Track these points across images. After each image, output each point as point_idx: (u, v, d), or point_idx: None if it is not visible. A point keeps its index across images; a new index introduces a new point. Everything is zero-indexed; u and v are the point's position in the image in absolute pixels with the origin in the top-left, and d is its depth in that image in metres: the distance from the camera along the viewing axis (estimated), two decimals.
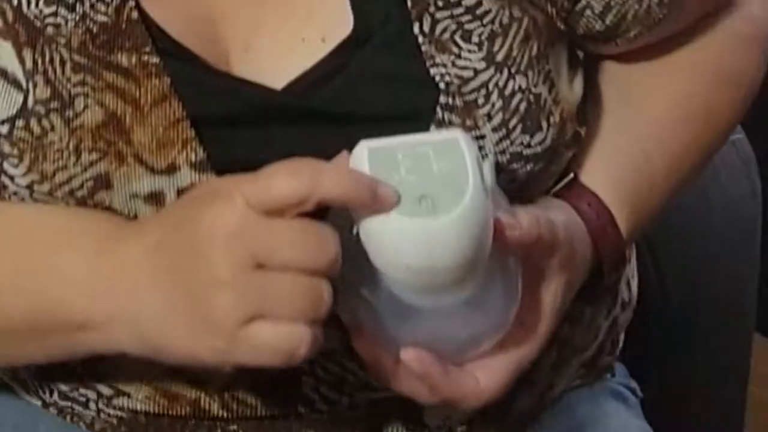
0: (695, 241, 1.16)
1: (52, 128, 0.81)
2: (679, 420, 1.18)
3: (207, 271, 0.72)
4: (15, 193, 0.82)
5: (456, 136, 0.75)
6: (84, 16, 0.81)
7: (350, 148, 0.75)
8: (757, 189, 1.19)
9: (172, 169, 0.81)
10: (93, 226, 0.81)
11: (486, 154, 0.82)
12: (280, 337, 0.71)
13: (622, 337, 1.03)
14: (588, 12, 0.87)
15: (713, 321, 1.19)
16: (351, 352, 0.81)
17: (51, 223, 0.82)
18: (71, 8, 0.81)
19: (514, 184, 0.84)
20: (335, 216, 0.76)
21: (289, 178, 0.71)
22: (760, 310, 1.20)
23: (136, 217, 0.81)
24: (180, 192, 0.81)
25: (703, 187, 1.14)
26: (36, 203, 0.82)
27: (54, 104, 0.81)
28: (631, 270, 1.03)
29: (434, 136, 0.78)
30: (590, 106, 0.91)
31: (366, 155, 0.74)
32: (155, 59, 0.81)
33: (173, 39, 0.82)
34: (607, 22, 0.87)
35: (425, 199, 0.72)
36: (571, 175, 0.90)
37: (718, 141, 0.96)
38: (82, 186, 0.81)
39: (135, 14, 0.81)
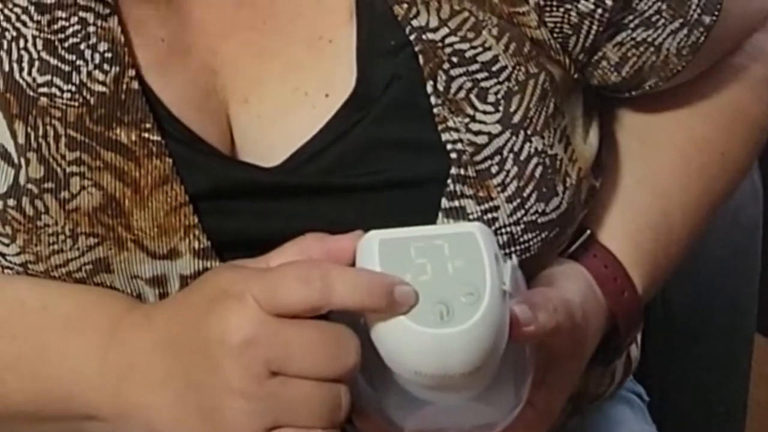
0: None
1: (47, 210, 0.77)
2: (680, 420, 1.18)
3: (220, 379, 0.69)
4: (9, 268, 0.79)
5: (473, 229, 0.70)
6: (80, 86, 0.77)
7: (356, 220, 0.72)
8: (758, 189, 1.18)
9: (173, 255, 0.77)
10: (101, 310, 0.77)
11: (510, 255, 0.78)
12: None
13: (637, 361, 1.02)
14: (604, 63, 0.83)
15: (713, 322, 1.19)
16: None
17: (56, 308, 0.78)
18: (67, 78, 0.77)
19: (528, 255, 0.80)
20: None
21: (299, 286, 0.68)
22: (760, 311, 1.20)
23: (140, 296, 0.78)
24: (183, 278, 0.78)
25: None
26: (36, 279, 0.78)
27: (48, 184, 0.77)
28: None
29: (449, 228, 0.72)
30: (606, 152, 0.88)
31: (377, 249, 0.69)
32: (156, 137, 0.77)
33: (173, 115, 0.78)
34: (623, 74, 0.84)
35: (439, 304, 0.67)
36: (588, 232, 0.87)
37: (731, 188, 0.93)
38: (80, 269, 0.77)
39: (135, 84, 0.77)
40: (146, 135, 0.77)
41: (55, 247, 0.77)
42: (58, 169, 0.77)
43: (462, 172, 0.78)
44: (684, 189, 0.89)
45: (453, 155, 0.78)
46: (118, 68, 0.78)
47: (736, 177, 0.93)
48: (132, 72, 0.78)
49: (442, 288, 0.68)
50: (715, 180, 0.91)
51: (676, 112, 0.90)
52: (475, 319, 0.67)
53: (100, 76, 0.77)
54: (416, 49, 0.79)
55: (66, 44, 0.78)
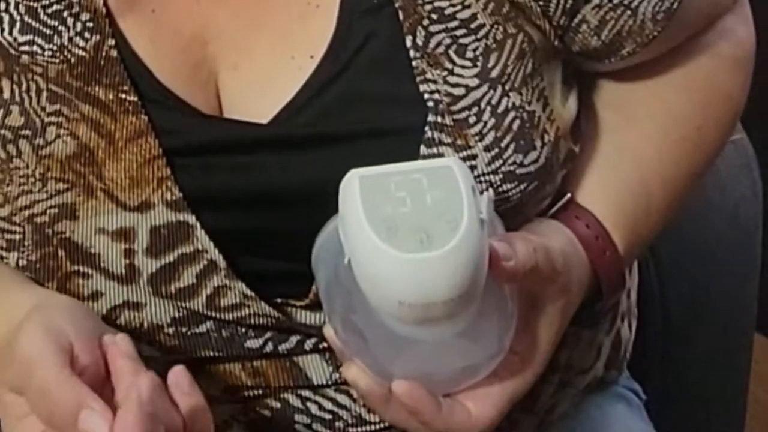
0: (695, 241, 1.16)
1: (19, 154, 0.80)
2: (679, 420, 1.18)
3: None
4: None
5: (450, 163, 0.72)
6: (61, 48, 0.80)
7: (336, 171, 0.73)
8: (758, 189, 1.18)
9: (145, 207, 0.79)
10: None
11: (486, 188, 0.80)
12: None
13: (629, 347, 1.02)
14: (584, 27, 0.85)
15: (712, 321, 1.19)
16: (342, 386, 0.80)
17: None
18: (48, 39, 0.80)
19: (508, 205, 0.82)
20: (327, 242, 0.75)
21: None
22: (760, 310, 1.20)
23: (97, 255, 0.79)
24: (154, 230, 0.79)
25: (703, 187, 1.13)
26: None
27: (25, 132, 0.80)
28: (631, 280, 1.02)
29: (428, 163, 0.74)
30: (585, 123, 0.90)
31: (357, 184, 0.71)
32: (133, 98, 0.80)
33: (156, 79, 0.80)
34: (603, 37, 0.85)
35: (419, 232, 0.69)
36: (568, 195, 0.89)
37: (706, 162, 0.95)
38: (44, 212, 0.79)
39: (114, 53, 0.80)
40: (123, 96, 0.80)
41: (25, 188, 0.79)
42: (37, 120, 0.80)
43: (439, 119, 0.81)
44: (661, 160, 0.91)
45: (430, 104, 0.81)
46: (98, 37, 0.80)
47: (711, 152, 0.95)
48: (111, 41, 0.80)
49: (421, 218, 0.70)
50: (692, 153, 0.93)
51: (654, 86, 0.92)
52: (454, 243, 0.69)
53: (81, 43, 0.80)
54: (396, 5, 0.81)
55: (49, 11, 0.80)
